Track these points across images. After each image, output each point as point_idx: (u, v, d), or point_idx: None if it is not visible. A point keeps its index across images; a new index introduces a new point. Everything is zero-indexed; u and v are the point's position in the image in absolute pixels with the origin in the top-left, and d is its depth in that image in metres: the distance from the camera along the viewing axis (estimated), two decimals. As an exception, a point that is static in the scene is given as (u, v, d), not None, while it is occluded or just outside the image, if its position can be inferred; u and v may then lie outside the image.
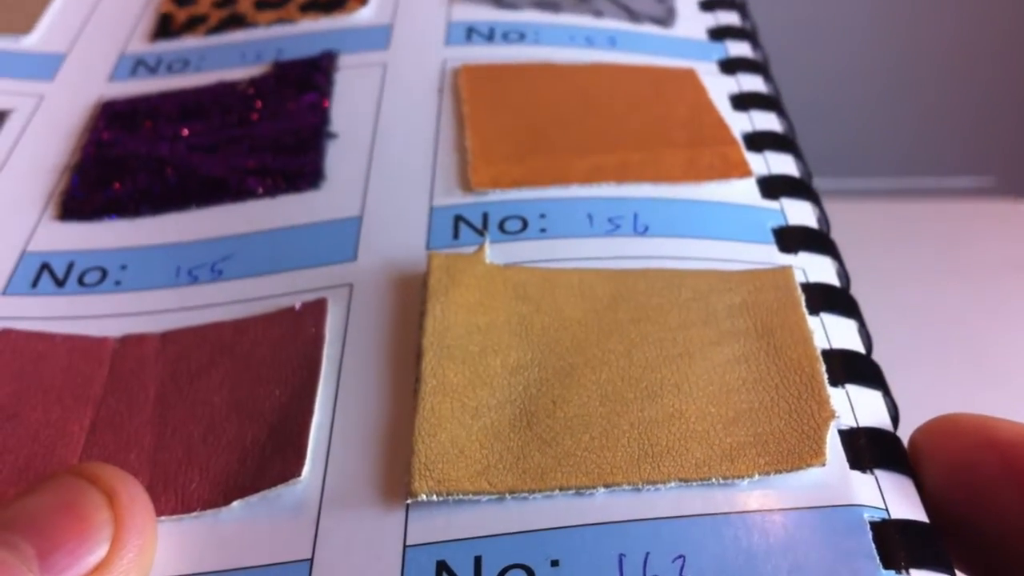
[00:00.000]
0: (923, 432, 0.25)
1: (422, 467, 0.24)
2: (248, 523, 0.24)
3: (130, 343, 0.29)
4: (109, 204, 0.34)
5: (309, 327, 0.28)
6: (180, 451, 0.26)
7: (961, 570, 0.24)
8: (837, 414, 0.25)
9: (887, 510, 0.23)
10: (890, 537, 0.22)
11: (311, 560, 0.23)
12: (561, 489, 0.24)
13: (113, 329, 0.30)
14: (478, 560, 0.23)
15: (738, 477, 0.23)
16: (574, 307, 0.28)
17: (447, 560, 0.23)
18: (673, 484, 0.24)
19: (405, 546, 0.23)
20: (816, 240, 0.31)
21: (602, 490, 0.24)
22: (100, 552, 0.23)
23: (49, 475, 0.24)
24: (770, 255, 0.30)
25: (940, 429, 0.25)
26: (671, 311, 0.27)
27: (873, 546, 0.22)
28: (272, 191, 0.33)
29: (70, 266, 0.32)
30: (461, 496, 0.24)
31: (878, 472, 0.24)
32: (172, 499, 0.25)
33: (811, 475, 0.24)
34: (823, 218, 0.32)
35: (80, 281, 0.31)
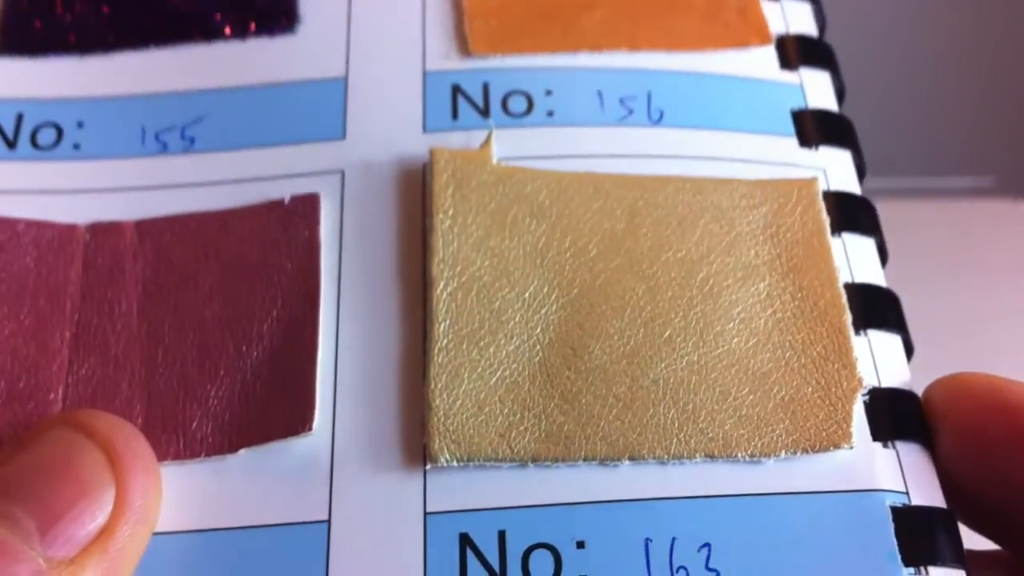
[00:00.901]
0: (934, 392, 0.25)
1: (440, 427, 0.23)
2: (257, 477, 0.24)
3: (102, 233, 0.27)
4: (52, 34, 0.30)
5: (302, 229, 0.26)
6: (175, 380, 0.25)
7: (973, 530, 0.24)
8: (864, 383, 0.24)
9: (908, 493, 0.23)
10: (911, 530, 0.23)
11: (328, 522, 0.23)
12: (585, 460, 0.23)
13: (78, 211, 0.27)
14: (502, 536, 0.23)
15: (765, 455, 0.23)
16: (591, 228, 0.26)
17: (470, 534, 0.23)
18: (699, 459, 0.23)
19: (426, 513, 0.23)
20: (835, 129, 0.29)
21: (627, 462, 0.23)
22: (102, 518, 0.21)
23: (41, 427, 0.23)
24: (791, 152, 0.28)
25: (950, 389, 0.25)
26: (693, 236, 0.26)
27: (896, 541, 0.22)
28: (242, 31, 0.30)
29: (19, 120, 0.29)
30: (483, 462, 0.23)
31: (899, 445, 0.24)
32: (173, 441, 0.24)
33: (836, 454, 0.23)
34: (840, 88, 0.30)
35: (33, 142, 0.28)
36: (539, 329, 0.25)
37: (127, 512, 0.22)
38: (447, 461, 0.23)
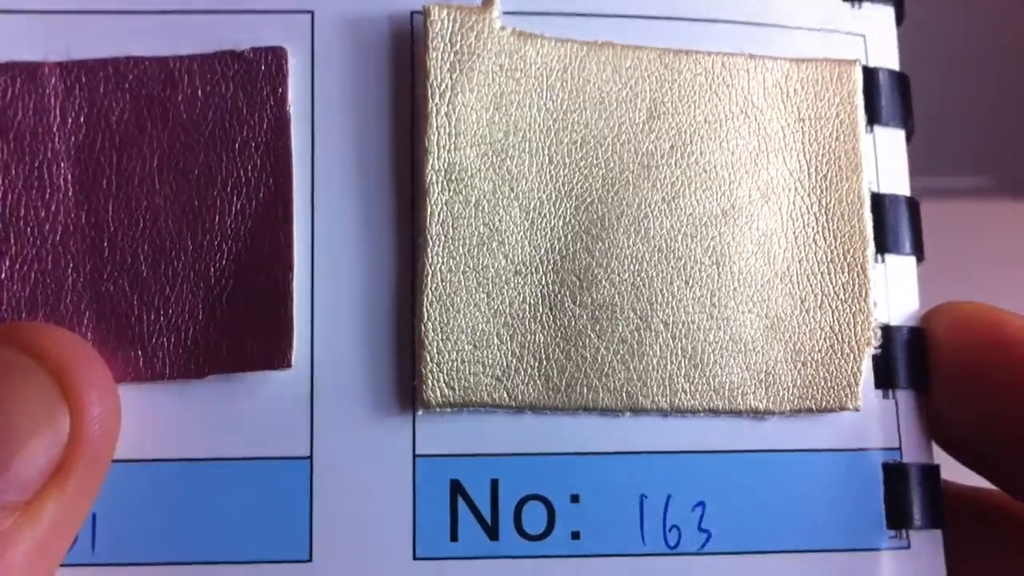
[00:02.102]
0: (932, 322, 0.24)
1: (433, 368, 0.22)
2: (228, 405, 0.22)
3: (17, 78, 0.22)
4: None
5: (265, 93, 0.22)
6: (126, 281, 0.22)
7: (964, 465, 0.25)
8: (878, 336, 0.23)
9: (900, 448, 0.23)
10: (898, 492, 0.23)
11: (310, 459, 0.22)
12: (586, 410, 0.22)
13: (-17, 35, 0.22)
14: (495, 485, 0.22)
15: (769, 412, 0.22)
16: (607, 120, 0.23)
17: (461, 480, 0.22)
18: (703, 415, 0.22)
19: (415, 455, 0.22)
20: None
21: (628, 414, 0.22)
22: (57, 452, 0.19)
23: None
24: (834, 8, 0.24)
25: (949, 319, 0.24)
26: (719, 138, 0.23)
27: (883, 505, 0.23)
28: None
29: None
30: (478, 407, 0.22)
31: (899, 395, 0.23)
32: (132, 358, 0.22)
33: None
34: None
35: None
36: (544, 251, 0.22)
37: (84, 444, 0.20)
38: (440, 406, 0.22)
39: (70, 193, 0.22)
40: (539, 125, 0.22)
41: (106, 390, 0.20)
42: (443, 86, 0.22)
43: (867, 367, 0.23)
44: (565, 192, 0.22)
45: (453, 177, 0.22)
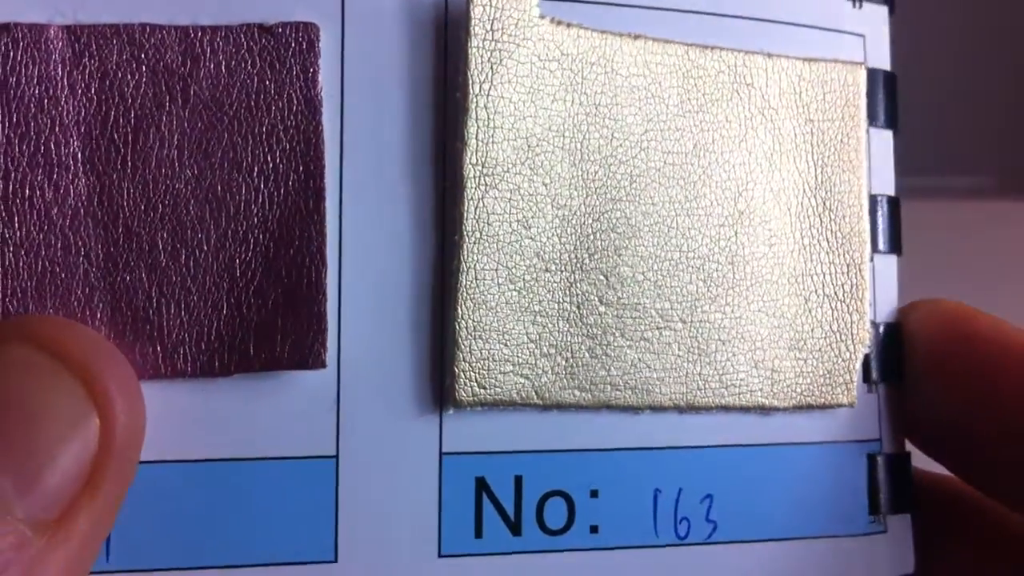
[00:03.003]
0: (907, 316, 0.25)
1: (467, 367, 0.21)
2: (249, 404, 0.21)
3: (22, 42, 0.20)
4: None
5: (295, 73, 0.21)
6: (143, 270, 0.20)
7: (927, 455, 0.26)
8: (879, 338, 0.24)
9: (881, 439, 0.25)
10: (879, 480, 0.24)
11: (336, 458, 0.21)
12: (609, 408, 0.22)
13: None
14: (519, 481, 0.22)
15: (774, 407, 0.23)
16: (635, 112, 0.22)
17: (487, 478, 0.22)
18: (715, 412, 0.23)
19: (442, 453, 0.22)
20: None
21: (648, 412, 0.23)
22: (87, 461, 0.18)
23: None
24: (839, 8, 0.25)
25: (922, 314, 0.25)
26: (738, 137, 0.23)
27: (867, 494, 0.24)
28: None
29: None
30: (507, 407, 0.22)
31: (880, 388, 0.25)
32: (150, 353, 0.20)
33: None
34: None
35: None
36: (573, 248, 0.22)
37: (114, 451, 0.19)
38: (471, 405, 0.21)
39: (80, 173, 0.20)
40: (572, 118, 0.22)
41: (132, 392, 0.19)
42: (483, 76, 0.21)
43: (860, 364, 0.24)
44: (594, 188, 0.22)
45: (490, 172, 0.21)
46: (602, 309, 0.22)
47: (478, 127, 0.21)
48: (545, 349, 0.22)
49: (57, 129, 0.20)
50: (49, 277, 0.20)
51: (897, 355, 0.25)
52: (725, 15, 0.24)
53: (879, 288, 0.25)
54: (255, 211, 0.21)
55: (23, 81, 0.20)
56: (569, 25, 0.22)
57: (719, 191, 0.23)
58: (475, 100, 0.21)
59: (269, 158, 0.21)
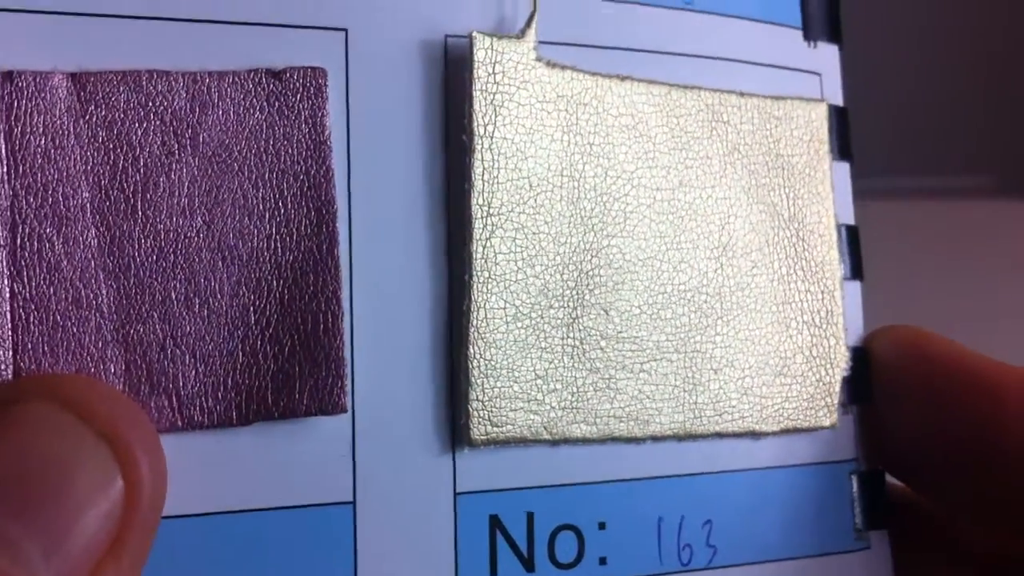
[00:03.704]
0: (871, 342, 0.26)
1: (480, 407, 0.21)
2: (267, 452, 0.20)
3: (26, 90, 0.19)
4: None
5: (304, 117, 0.21)
6: (157, 322, 0.20)
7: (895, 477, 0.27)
8: (848, 362, 0.25)
9: (858, 458, 0.26)
10: (859, 498, 0.25)
11: (353, 504, 0.21)
12: (614, 440, 0.23)
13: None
14: (530, 518, 0.22)
15: (763, 432, 0.24)
16: (626, 151, 0.23)
17: (500, 516, 0.22)
18: (711, 438, 0.24)
19: (456, 493, 0.22)
20: (834, 17, 0.27)
21: (650, 441, 0.23)
22: (113, 523, 0.18)
23: (8, 397, 0.18)
24: (794, 49, 0.26)
25: (883, 341, 0.26)
26: (716, 173, 0.24)
27: (852, 510, 0.25)
28: None
29: None
30: (519, 444, 0.22)
31: (854, 409, 0.26)
32: (166, 406, 0.20)
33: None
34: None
35: None
36: (574, 283, 0.23)
37: (139, 513, 0.18)
38: (485, 444, 0.22)
39: (89, 224, 0.19)
40: (567, 158, 0.23)
41: (155, 451, 0.19)
42: (487, 119, 0.22)
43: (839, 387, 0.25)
44: (591, 225, 0.23)
45: (494, 212, 0.22)
46: (603, 343, 0.23)
47: (483, 168, 0.22)
48: (552, 385, 0.22)
49: (65, 179, 0.19)
50: (61, 332, 0.19)
51: (866, 377, 0.26)
52: (701, 56, 0.25)
53: (850, 314, 0.26)
54: (268, 257, 0.20)
55: (28, 131, 0.19)
56: (563, 67, 0.23)
57: (704, 225, 0.24)
58: (480, 142, 0.22)
59: (280, 203, 0.20)
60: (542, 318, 0.22)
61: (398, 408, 0.21)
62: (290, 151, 0.21)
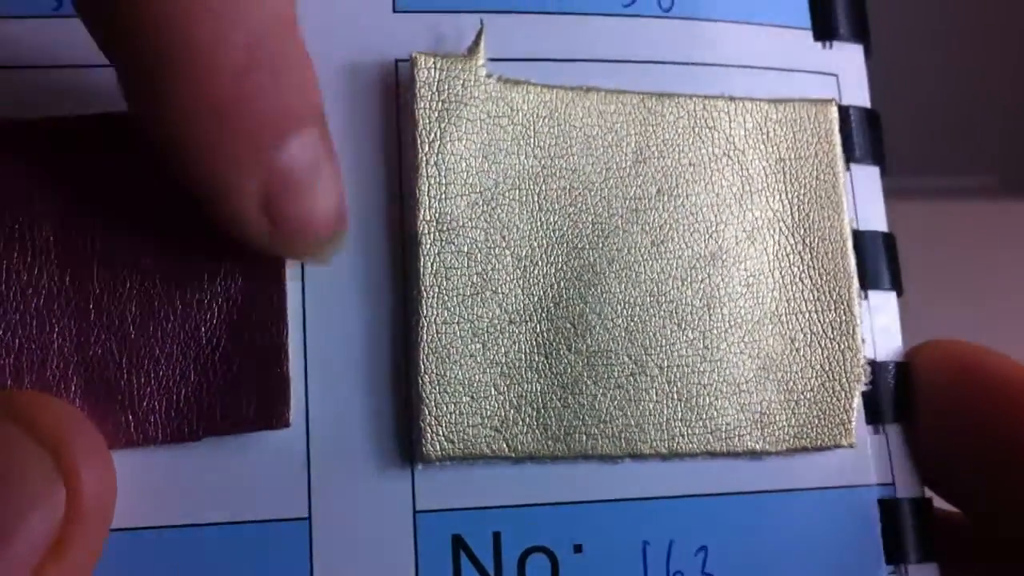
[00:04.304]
0: (915, 359, 0.24)
1: (433, 422, 0.21)
2: (221, 467, 0.21)
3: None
4: None
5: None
6: (114, 344, 0.21)
7: (937, 495, 0.25)
8: (867, 374, 0.23)
9: (894, 484, 0.23)
10: (894, 527, 0.23)
11: (308, 519, 0.21)
12: (586, 458, 0.22)
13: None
14: (497, 537, 0.22)
15: (766, 452, 0.23)
16: (594, 162, 0.23)
17: (463, 536, 0.22)
18: (701, 458, 0.22)
19: (415, 511, 0.21)
20: (853, 16, 0.26)
21: (628, 460, 0.22)
22: (54, 527, 0.19)
23: None
24: (804, 50, 0.25)
25: (931, 358, 0.24)
26: (704, 180, 0.23)
27: (881, 540, 0.23)
28: None
29: None
30: (477, 460, 0.22)
31: (888, 429, 0.24)
32: (123, 423, 0.21)
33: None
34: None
35: None
36: (537, 298, 0.22)
37: (81, 519, 0.19)
38: (440, 460, 0.21)
39: (53, 256, 0.21)
40: (528, 172, 0.22)
41: (102, 461, 0.20)
42: (432, 135, 0.22)
43: (858, 404, 0.23)
44: (556, 238, 0.22)
45: (445, 227, 0.22)
46: (572, 358, 0.22)
47: (429, 184, 0.22)
48: (514, 400, 0.22)
49: (32, 216, 0.21)
50: (25, 355, 0.21)
51: (907, 395, 0.24)
52: (687, 63, 0.24)
53: (878, 326, 0.24)
54: (218, 280, 0.21)
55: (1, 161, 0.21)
56: (517, 82, 0.23)
57: (687, 235, 0.23)
58: (424, 159, 0.22)
59: None
60: (502, 333, 0.22)
61: (354, 423, 0.22)
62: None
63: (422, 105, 0.22)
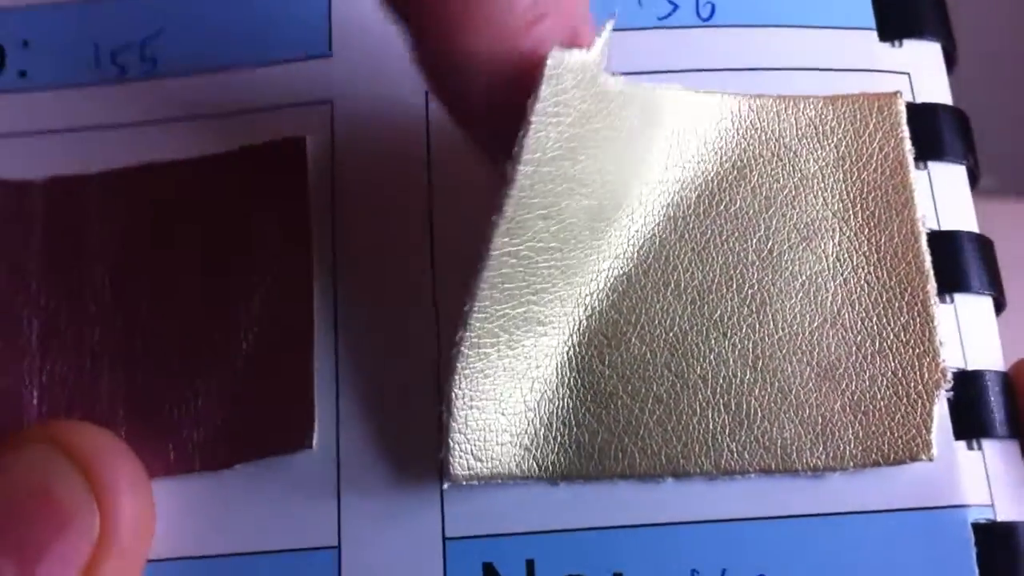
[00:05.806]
0: (1019, 370, 0.21)
1: (460, 439, 0.20)
2: (255, 496, 0.21)
3: (63, 190, 0.23)
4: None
5: (284, 182, 0.23)
6: (158, 375, 0.22)
7: None
8: (949, 377, 0.21)
9: (993, 505, 0.20)
10: (995, 555, 0.20)
11: (338, 549, 0.21)
12: (622, 477, 0.20)
13: (26, 159, 0.23)
14: (530, 565, 0.20)
15: (829, 468, 0.20)
16: (634, 167, 0.22)
17: (495, 563, 0.20)
18: (754, 475, 0.20)
19: (445, 539, 0.21)
20: (924, 13, 0.24)
21: (670, 479, 0.20)
22: (88, 550, 0.19)
23: (17, 441, 0.20)
24: (869, 50, 0.23)
25: None
26: (750, 182, 0.22)
27: (976, 569, 0.20)
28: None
29: (-47, 40, 0.24)
30: (506, 480, 0.20)
31: (986, 445, 0.21)
32: (163, 451, 0.21)
33: (913, 464, 0.20)
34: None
35: (-28, 69, 0.24)
36: (571, 308, 0.21)
37: (114, 543, 0.19)
38: (467, 480, 0.20)
39: (107, 294, 0.22)
40: (587, 174, 0.21)
41: (139, 487, 0.20)
42: (546, 135, 0.19)
43: (941, 414, 0.20)
44: (596, 245, 0.21)
45: (519, 238, 0.20)
46: (605, 371, 0.21)
47: (520, 195, 0.19)
48: (545, 418, 0.21)
49: (89, 257, 0.23)
50: (78, 389, 0.22)
51: (1009, 409, 0.21)
52: (734, 69, 0.23)
53: (969, 333, 0.21)
54: (253, 310, 0.22)
55: (62, 220, 0.23)
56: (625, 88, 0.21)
57: (731, 239, 0.21)
58: (528, 162, 0.19)
59: (261, 260, 0.22)
60: (536, 346, 0.21)
61: (383, 449, 0.21)
62: (272, 212, 0.22)
63: (545, 103, 0.19)
